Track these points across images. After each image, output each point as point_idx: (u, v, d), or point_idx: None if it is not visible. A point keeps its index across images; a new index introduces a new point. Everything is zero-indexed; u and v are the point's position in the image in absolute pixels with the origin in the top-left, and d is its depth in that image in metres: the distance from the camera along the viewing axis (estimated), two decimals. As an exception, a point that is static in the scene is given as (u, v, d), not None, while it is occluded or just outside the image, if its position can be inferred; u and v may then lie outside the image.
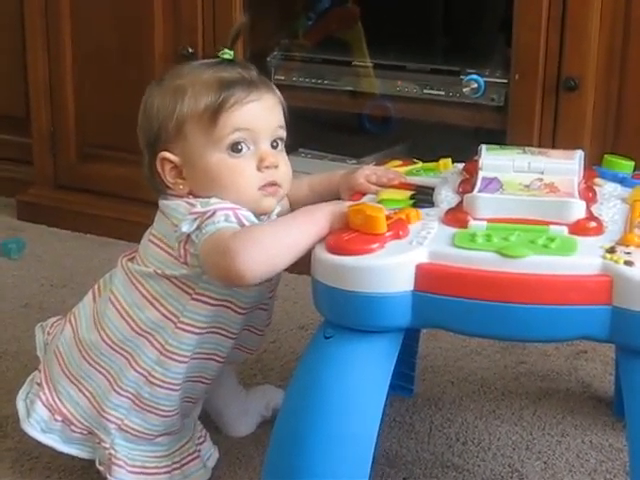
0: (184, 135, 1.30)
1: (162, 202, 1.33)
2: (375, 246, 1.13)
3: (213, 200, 1.27)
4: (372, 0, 2.23)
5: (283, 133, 1.34)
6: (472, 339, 1.79)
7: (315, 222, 1.20)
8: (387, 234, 1.15)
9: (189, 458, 1.39)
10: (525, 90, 1.92)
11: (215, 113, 1.28)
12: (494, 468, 1.46)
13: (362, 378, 1.16)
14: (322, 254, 1.15)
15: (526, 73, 1.91)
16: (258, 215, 1.30)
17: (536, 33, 1.88)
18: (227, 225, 1.24)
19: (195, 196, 1.31)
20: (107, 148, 2.37)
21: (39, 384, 1.40)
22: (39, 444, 1.40)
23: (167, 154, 1.31)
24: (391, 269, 1.12)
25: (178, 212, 1.28)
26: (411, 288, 1.12)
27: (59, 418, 1.38)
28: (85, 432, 1.37)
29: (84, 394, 1.37)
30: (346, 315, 1.15)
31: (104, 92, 2.34)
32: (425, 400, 1.65)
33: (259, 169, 1.30)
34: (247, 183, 1.30)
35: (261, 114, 1.31)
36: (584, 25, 1.85)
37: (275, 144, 1.33)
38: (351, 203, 1.23)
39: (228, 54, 1.35)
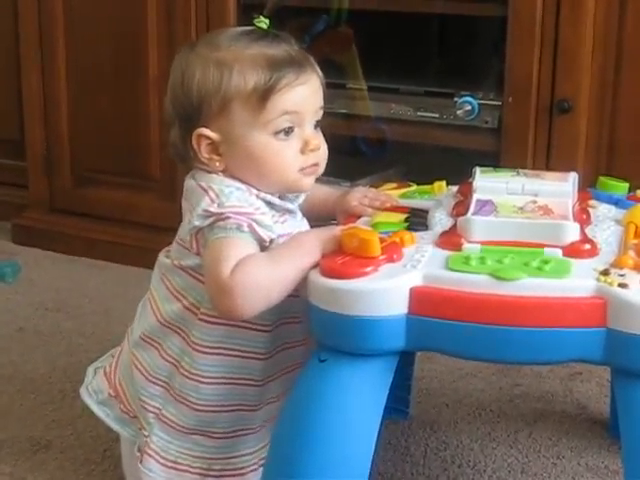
0: (227, 113, 1.27)
1: (189, 183, 1.30)
2: (369, 269, 1.13)
3: (230, 202, 1.24)
4: (366, 23, 2.23)
5: (322, 113, 1.33)
6: (467, 361, 1.79)
7: (308, 253, 1.20)
8: (381, 257, 1.15)
9: (231, 472, 1.34)
10: (519, 112, 1.93)
11: (265, 94, 1.25)
12: (490, 491, 1.46)
13: (357, 401, 1.16)
14: (316, 278, 1.15)
15: (519, 95, 1.92)
16: (293, 193, 1.32)
17: (529, 55, 1.89)
18: (238, 235, 1.22)
19: (230, 173, 1.28)
20: (102, 172, 2.37)
21: (113, 355, 1.42)
22: (33, 469, 1.40)
23: (206, 131, 1.28)
24: (385, 292, 1.12)
25: (200, 206, 1.25)
26: (405, 311, 1.12)
27: (112, 393, 1.38)
28: (131, 414, 1.37)
29: (132, 380, 1.37)
30: (340, 338, 1.15)
31: (99, 116, 2.34)
32: (420, 423, 1.64)
33: (303, 152, 1.29)
34: (290, 166, 1.29)
35: (309, 97, 1.29)
36: (577, 47, 1.85)
37: (316, 124, 1.32)
38: (343, 227, 1.23)
39: (264, 22, 1.31)
